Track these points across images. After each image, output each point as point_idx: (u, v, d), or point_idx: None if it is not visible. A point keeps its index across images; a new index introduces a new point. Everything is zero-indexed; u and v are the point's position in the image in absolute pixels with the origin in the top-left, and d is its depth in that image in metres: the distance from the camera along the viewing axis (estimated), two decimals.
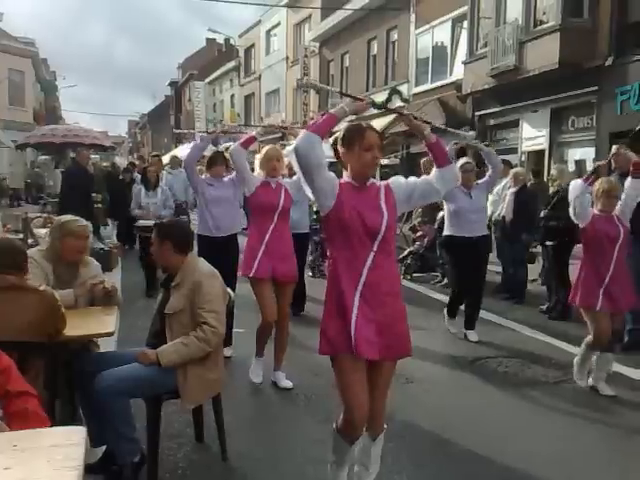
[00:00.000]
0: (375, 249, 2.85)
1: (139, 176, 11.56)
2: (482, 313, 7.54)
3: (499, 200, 8.76)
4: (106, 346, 4.13)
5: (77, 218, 4.00)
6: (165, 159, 13.91)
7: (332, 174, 2.93)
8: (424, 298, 8.68)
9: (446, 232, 6.62)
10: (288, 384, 4.98)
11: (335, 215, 2.87)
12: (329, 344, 2.87)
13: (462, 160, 6.72)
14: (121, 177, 13.83)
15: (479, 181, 6.63)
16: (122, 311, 4.04)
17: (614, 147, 6.21)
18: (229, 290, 3.83)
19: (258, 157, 5.12)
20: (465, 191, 6.45)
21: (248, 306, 5.49)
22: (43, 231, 7.23)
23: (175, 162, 11.65)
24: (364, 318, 2.81)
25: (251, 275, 4.84)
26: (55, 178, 15.24)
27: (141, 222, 8.25)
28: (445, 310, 6.86)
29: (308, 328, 6.76)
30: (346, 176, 3.00)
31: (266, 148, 5.12)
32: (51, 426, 2.38)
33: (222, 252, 5.50)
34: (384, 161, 19.23)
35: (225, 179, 5.96)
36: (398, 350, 2.92)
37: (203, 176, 6.16)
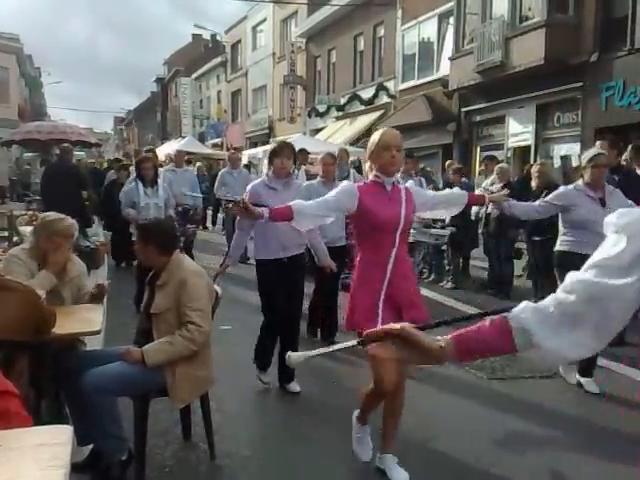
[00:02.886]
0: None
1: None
2: (469, 308, 7.59)
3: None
4: (93, 344, 4.10)
5: (63, 216, 3.97)
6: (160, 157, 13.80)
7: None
8: None
9: (561, 247, 5.07)
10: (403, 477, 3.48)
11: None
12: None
13: (593, 150, 5.28)
14: (115, 176, 11.35)
15: (611, 187, 5.10)
16: (109, 309, 4.03)
17: (597, 143, 6.28)
18: (216, 287, 3.82)
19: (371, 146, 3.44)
20: (592, 195, 4.89)
21: (234, 302, 5.49)
22: (28, 229, 7.18)
23: (181, 159, 10.42)
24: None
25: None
26: (41, 176, 15.11)
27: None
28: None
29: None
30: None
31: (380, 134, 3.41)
32: (37, 425, 2.36)
33: (289, 278, 4.78)
34: None
35: (293, 181, 4.98)
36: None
37: (260, 179, 5.04)
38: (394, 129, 3.49)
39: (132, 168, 12.43)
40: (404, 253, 3.41)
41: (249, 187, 4.82)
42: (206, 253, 11.34)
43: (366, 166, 3.53)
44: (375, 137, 3.37)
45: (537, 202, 5.14)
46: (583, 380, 4.99)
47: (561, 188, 5.17)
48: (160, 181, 7.62)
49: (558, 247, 5.08)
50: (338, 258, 5.72)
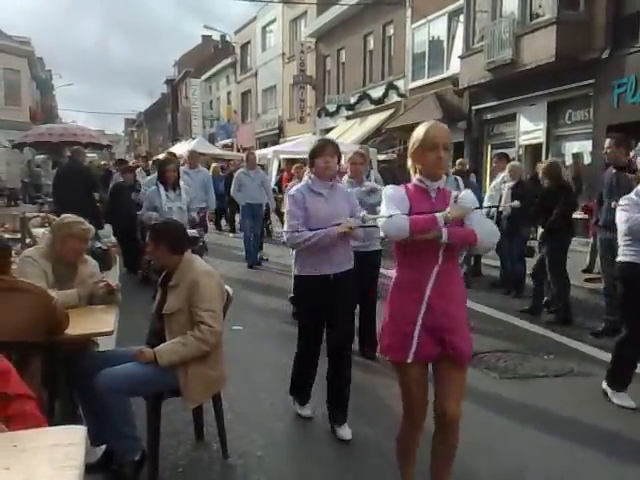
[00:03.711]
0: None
1: (145, 176, 10.51)
2: (481, 307, 7.57)
3: (496, 195, 8.76)
4: (105, 345, 4.12)
5: (81, 220, 3.99)
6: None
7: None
8: None
9: (625, 258, 4.62)
10: None
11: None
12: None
13: None
14: (121, 179, 10.72)
15: None
16: (121, 310, 4.04)
17: (607, 141, 6.24)
18: (227, 288, 3.82)
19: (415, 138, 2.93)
20: None
21: (246, 303, 5.49)
22: (41, 230, 7.22)
23: (194, 159, 9.99)
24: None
25: (410, 360, 2.87)
26: (52, 178, 15.18)
27: None
28: (606, 382, 4.79)
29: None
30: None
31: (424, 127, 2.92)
32: (51, 426, 2.38)
33: (335, 298, 4.04)
34: (381, 156, 19.22)
35: (340, 183, 4.40)
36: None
37: (299, 180, 4.78)
38: (441, 123, 2.99)
39: (138, 170, 12.41)
40: (451, 271, 2.90)
41: (292, 191, 4.14)
42: (217, 257, 11.34)
43: (409, 164, 3.02)
44: (419, 133, 2.87)
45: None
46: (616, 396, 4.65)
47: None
48: (182, 184, 7.35)
49: (623, 258, 4.61)
50: (372, 263, 5.44)
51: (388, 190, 2.93)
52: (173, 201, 6.97)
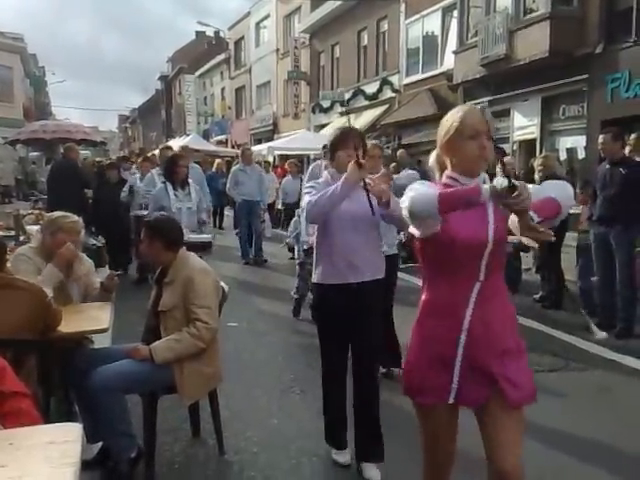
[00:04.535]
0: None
1: (137, 174, 9.98)
2: None
3: None
4: (101, 342, 4.12)
5: (68, 214, 3.99)
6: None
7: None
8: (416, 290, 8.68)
9: None
10: None
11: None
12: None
13: None
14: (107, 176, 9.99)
15: None
16: (116, 307, 4.04)
17: (600, 136, 6.26)
18: (222, 284, 3.82)
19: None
20: None
21: (242, 299, 5.49)
22: (35, 228, 7.20)
23: (189, 153, 9.71)
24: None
25: (451, 401, 2.36)
26: (46, 175, 15.11)
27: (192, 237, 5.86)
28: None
29: (307, 318, 6.78)
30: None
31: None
32: (46, 423, 2.37)
33: (359, 311, 3.46)
34: None
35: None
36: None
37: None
38: (477, 107, 2.41)
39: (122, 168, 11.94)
40: (495, 287, 2.32)
41: (311, 183, 3.60)
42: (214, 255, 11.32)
43: (430, 158, 2.50)
44: (454, 118, 2.30)
45: None
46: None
47: None
48: (191, 182, 6.75)
49: None
50: (389, 269, 4.35)
51: (415, 186, 2.23)
52: (182, 201, 6.40)
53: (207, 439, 3.90)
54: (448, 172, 2.34)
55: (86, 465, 3.04)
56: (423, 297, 2.39)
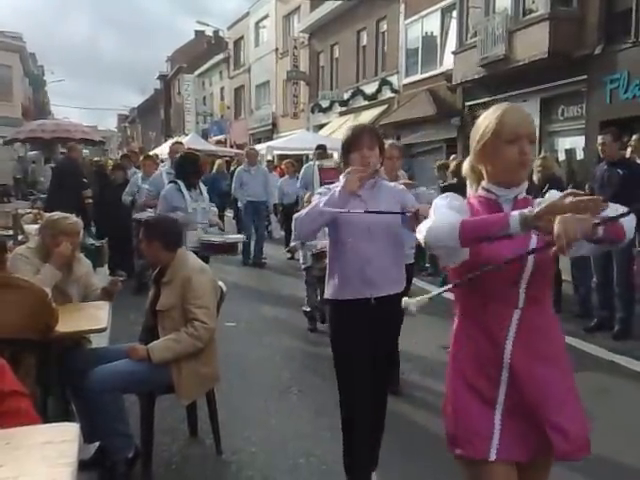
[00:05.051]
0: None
1: (138, 173, 9.32)
2: None
3: None
4: (98, 342, 4.12)
5: (67, 215, 3.99)
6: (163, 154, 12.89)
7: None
8: (416, 290, 8.68)
9: None
10: None
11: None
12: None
13: None
14: (112, 177, 9.75)
15: None
16: (114, 307, 4.04)
17: (600, 137, 6.26)
18: (220, 284, 3.82)
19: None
20: None
21: (240, 299, 5.48)
22: (33, 227, 7.19)
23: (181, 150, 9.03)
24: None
25: (492, 459, 1.95)
26: (45, 174, 15.09)
27: (204, 237, 5.85)
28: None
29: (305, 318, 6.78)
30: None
31: None
32: (44, 423, 2.37)
33: (377, 331, 3.07)
34: None
35: (382, 183, 3.17)
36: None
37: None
38: (518, 106, 2.09)
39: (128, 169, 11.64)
40: (541, 317, 2.00)
41: (322, 189, 3.16)
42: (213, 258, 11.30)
43: (464, 167, 2.18)
44: (490, 119, 2.03)
45: None
46: None
47: None
48: (201, 183, 6.40)
49: None
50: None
51: (443, 199, 2.01)
52: (197, 201, 6.04)
53: (205, 439, 3.90)
54: (484, 183, 2.05)
55: (83, 465, 3.05)
56: (455, 328, 2.10)
